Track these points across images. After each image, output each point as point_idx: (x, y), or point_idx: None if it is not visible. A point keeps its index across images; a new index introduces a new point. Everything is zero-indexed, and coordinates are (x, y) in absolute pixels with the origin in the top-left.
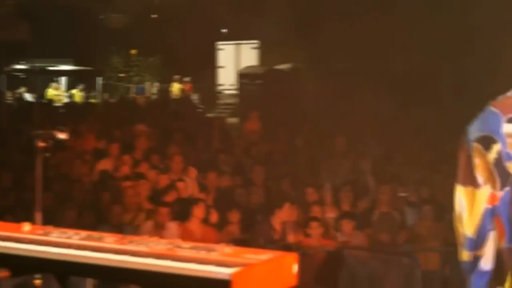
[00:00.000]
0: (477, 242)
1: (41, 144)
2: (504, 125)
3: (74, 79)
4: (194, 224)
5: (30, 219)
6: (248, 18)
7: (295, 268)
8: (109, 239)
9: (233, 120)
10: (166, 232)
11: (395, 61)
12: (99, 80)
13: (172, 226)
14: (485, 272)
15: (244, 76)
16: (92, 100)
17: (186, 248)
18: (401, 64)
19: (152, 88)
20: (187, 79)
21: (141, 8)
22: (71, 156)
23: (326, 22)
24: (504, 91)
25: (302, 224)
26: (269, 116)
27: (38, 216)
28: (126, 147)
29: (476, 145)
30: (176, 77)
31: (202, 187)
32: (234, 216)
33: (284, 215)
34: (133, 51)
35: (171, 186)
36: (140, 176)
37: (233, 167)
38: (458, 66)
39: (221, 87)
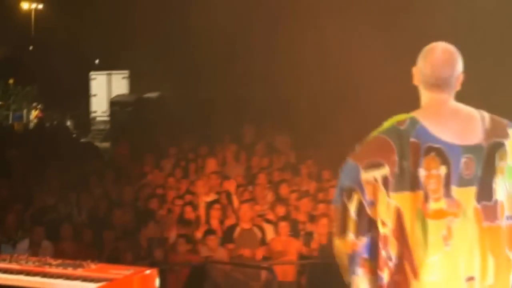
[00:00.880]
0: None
1: None
2: (362, 174)
3: None
4: (65, 243)
5: None
6: (119, 50)
7: (157, 282)
8: None
9: (105, 144)
10: (42, 250)
11: (254, 89)
12: None
13: (47, 244)
14: None
15: (115, 104)
16: None
17: (54, 265)
18: (260, 92)
19: (30, 115)
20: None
21: (18, 40)
22: None
23: (191, 54)
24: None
25: (170, 241)
26: (138, 140)
27: None
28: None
29: (344, 193)
30: (34, 104)
31: (78, 208)
32: (107, 234)
33: (149, 233)
34: (11, 81)
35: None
36: (17, 198)
37: (103, 189)
38: (313, 95)
39: (94, 114)
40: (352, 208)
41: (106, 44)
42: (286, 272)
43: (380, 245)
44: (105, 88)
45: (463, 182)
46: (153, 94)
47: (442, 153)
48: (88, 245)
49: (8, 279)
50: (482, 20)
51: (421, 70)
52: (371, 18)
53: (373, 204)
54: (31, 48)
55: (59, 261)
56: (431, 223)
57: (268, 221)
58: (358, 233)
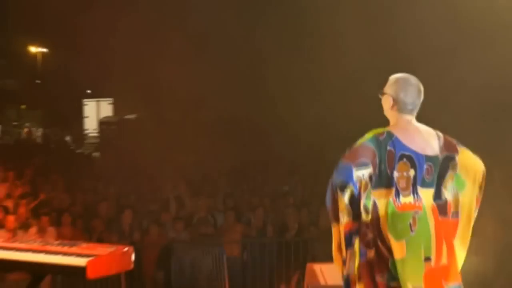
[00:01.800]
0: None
1: None
2: (354, 172)
3: None
4: (65, 228)
5: None
6: (105, 82)
7: (133, 257)
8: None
9: (95, 154)
10: (47, 234)
11: (220, 109)
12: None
13: (51, 230)
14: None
15: (103, 123)
16: None
17: (55, 245)
18: (230, 111)
19: (37, 132)
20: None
21: (28, 75)
22: None
23: (160, 84)
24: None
25: (145, 226)
26: (122, 151)
27: None
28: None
29: (339, 193)
30: (27, 124)
31: (73, 201)
32: (96, 222)
33: (127, 219)
34: (23, 106)
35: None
36: (28, 194)
37: (94, 187)
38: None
39: (86, 131)
40: (346, 199)
41: (95, 78)
42: (232, 249)
43: (364, 229)
44: (95, 112)
45: (425, 184)
46: (131, 116)
47: (411, 159)
48: (82, 230)
49: (20, 255)
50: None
51: (401, 99)
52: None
53: (360, 196)
54: (37, 81)
55: (59, 242)
56: (401, 214)
57: (219, 210)
58: (352, 217)
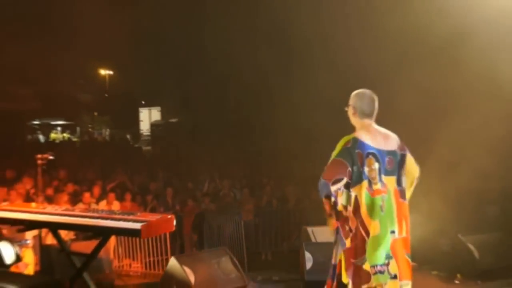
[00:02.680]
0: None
1: (40, 161)
2: (332, 187)
3: (64, 128)
4: (126, 202)
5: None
6: (155, 95)
7: (174, 222)
8: (78, 210)
9: (148, 147)
10: (113, 206)
11: (239, 114)
12: (78, 129)
13: (116, 203)
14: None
15: (153, 125)
16: (74, 139)
17: (118, 213)
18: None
19: (106, 133)
20: (67, 131)
21: (98, 90)
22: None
23: (199, 94)
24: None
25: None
26: (167, 146)
27: (41, 198)
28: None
29: (325, 200)
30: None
31: (132, 182)
32: (148, 197)
33: (170, 195)
34: (95, 113)
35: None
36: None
37: (147, 172)
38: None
39: (141, 131)
40: (330, 204)
41: (148, 93)
42: (247, 214)
43: (344, 223)
44: (147, 117)
45: (388, 173)
46: (174, 119)
47: (375, 155)
48: (138, 203)
49: (91, 221)
50: None
51: (359, 107)
52: None
53: (337, 201)
54: (106, 95)
55: (121, 211)
56: (374, 199)
57: (237, 188)
58: (336, 218)
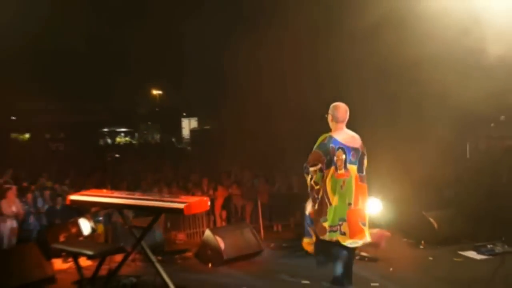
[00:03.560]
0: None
1: (109, 158)
2: (310, 169)
3: (126, 134)
4: (173, 189)
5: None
6: (194, 108)
7: (209, 203)
8: (137, 195)
9: (188, 148)
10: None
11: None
12: (137, 134)
13: (164, 189)
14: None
15: (192, 131)
16: (134, 142)
17: (166, 197)
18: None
19: (157, 137)
20: (129, 136)
21: (151, 106)
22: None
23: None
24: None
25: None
26: (202, 146)
27: (108, 186)
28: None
29: (306, 176)
30: (122, 135)
31: (176, 175)
32: (189, 185)
33: (205, 183)
34: (149, 123)
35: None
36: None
37: (188, 166)
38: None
39: (183, 136)
40: (309, 179)
41: (187, 106)
42: (263, 198)
43: (315, 193)
44: (188, 125)
45: (351, 163)
46: (207, 127)
47: (344, 149)
48: (181, 189)
49: (147, 202)
50: None
51: (335, 115)
52: None
53: (312, 177)
54: (157, 109)
55: (168, 195)
56: (337, 180)
57: (256, 177)
58: (310, 188)
